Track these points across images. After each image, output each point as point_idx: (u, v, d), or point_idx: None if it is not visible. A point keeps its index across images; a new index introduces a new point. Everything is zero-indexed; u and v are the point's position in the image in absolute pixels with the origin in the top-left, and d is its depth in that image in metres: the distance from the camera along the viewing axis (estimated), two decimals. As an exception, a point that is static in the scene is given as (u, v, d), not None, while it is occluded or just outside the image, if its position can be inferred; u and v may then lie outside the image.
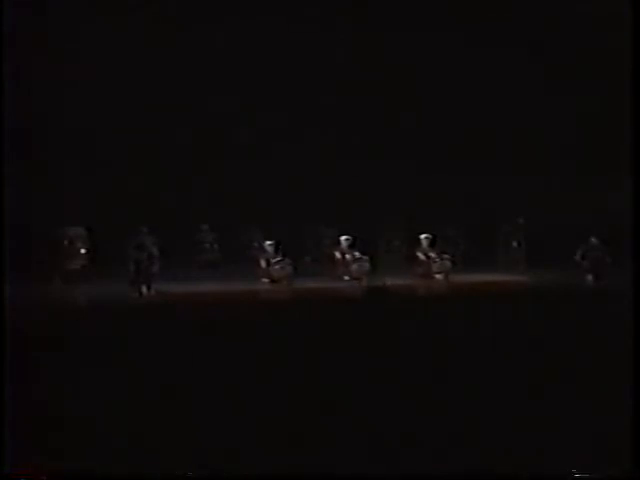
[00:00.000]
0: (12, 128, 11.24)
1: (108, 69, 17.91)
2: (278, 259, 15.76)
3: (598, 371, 5.31)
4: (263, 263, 15.82)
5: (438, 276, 16.30)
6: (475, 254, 18.17)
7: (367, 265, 16.11)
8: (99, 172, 17.72)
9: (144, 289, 13.81)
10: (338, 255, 16.45)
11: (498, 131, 19.18)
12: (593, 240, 15.93)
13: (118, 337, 6.87)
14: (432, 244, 16.82)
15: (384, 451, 4.22)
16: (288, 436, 4.39)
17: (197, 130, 18.62)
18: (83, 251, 15.65)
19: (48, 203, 17.09)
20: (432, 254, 16.61)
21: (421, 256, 16.60)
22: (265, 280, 15.51)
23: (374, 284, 14.23)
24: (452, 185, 19.41)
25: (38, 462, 4.17)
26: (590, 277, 15.58)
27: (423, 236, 16.74)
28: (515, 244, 19.17)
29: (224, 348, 6.20)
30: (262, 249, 16.30)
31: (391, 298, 5.24)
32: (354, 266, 16.03)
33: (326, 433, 4.36)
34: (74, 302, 13.09)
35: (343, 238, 16.58)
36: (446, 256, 16.66)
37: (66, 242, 15.59)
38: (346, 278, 15.77)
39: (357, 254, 16.26)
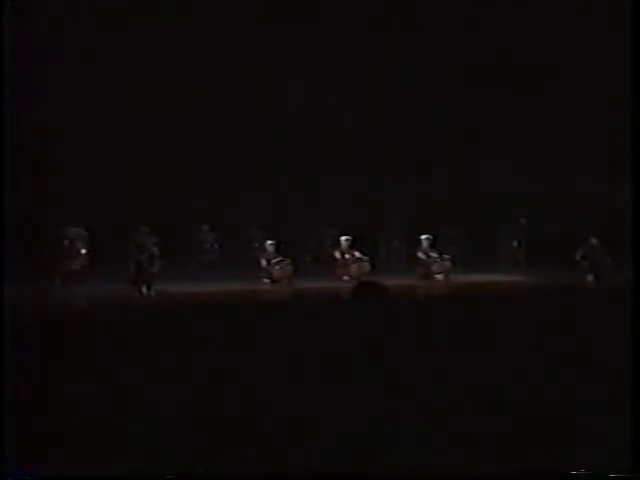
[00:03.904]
0: (12, 128, 11.24)
1: (107, 69, 17.93)
2: (278, 259, 15.76)
3: (598, 371, 5.30)
4: (263, 263, 15.83)
5: (438, 276, 16.30)
6: (475, 254, 18.17)
7: (367, 265, 16.11)
8: (99, 172, 17.73)
9: (144, 289, 13.81)
10: (338, 255, 16.46)
11: (498, 131, 19.19)
12: (593, 240, 15.92)
13: (118, 337, 6.87)
14: (432, 244, 16.82)
15: (384, 452, 4.22)
16: (288, 436, 4.39)
17: (197, 130, 18.64)
18: (83, 251, 15.65)
19: (48, 203, 17.11)
20: (432, 254, 16.62)
21: (421, 256, 16.60)
22: (265, 280, 15.52)
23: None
24: (452, 185, 19.44)
25: (38, 463, 4.17)
26: (590, 277, 15.57)
27: (423, 236, 16.74)
28: (515, 244, 19.19)
29: (224, 348, 6.20)
30: (262, 249, 16.32)
31: (391, 298, 5.25)
32: (354, 266, 16.02)
33: (326, 433, 4.36)
34: (74, 302, 13.09)
35: (343, 238, 16.58)
36: (446, 256, 16.66)
37: (66, 242, 15.58)
38: (346, 278, 15.75)
39: (357, 254, 16.27)
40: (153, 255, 14.03)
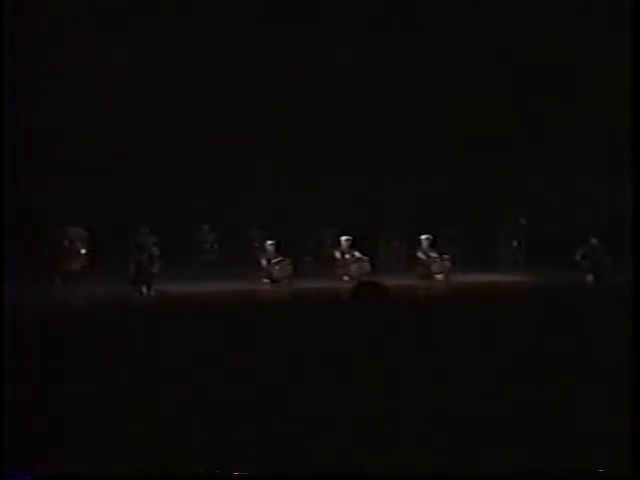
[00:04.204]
0: (12, 129, 11.24)
1: (107, 69, 17.92)
2: (278, 259, 15.76)
3: (598, 371, 5.31)
4: (263, 263, 15.83)
5: (438, 276, 16.30)
6: (475, 254, 18.16)
7: (367, 265, 16.11)
8: (99, 172, 17.72)
9: (144, 289, 13.81)
10: (338, 255, 16.45)
11: (498, 131, 19.18)
12: (593, 240, 15.92)
13: (118, 337, 6.87)
14: (432, 244, 16.82)
15: (384, 452, 4.22)
16: (287, 437, 4.39)
17: (197, 131, 18.63)
18: (83, 251, 15.65)
19: (48, 203, 17.10)
20: (432, 254, 16.61)
21: (421, 256, 16.60)
22: (265, 280, 15.52)
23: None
24: (452, 185, 19.43)
25: (38, 463, 4.17)
26: (590, 277, 15.57)
27: (423, 236, 16.73)
28: (515, 244, 19.19)
29: (224, 348, 6.20)
30: (262, 249, 16.32)
31: (391, 298, 5.25)
32: (354, 266, 16.02)
33: (326, 433, 4.36)
34: (74, 302, 13.09)
35: (343, 238, 16.57)
36: (446, 256, 16.66)
37: (66, 242, 15.58)
38: (346, 278, 15.75)
39: (357, 254, 16.26)
40: (153, 255, 14.02)
